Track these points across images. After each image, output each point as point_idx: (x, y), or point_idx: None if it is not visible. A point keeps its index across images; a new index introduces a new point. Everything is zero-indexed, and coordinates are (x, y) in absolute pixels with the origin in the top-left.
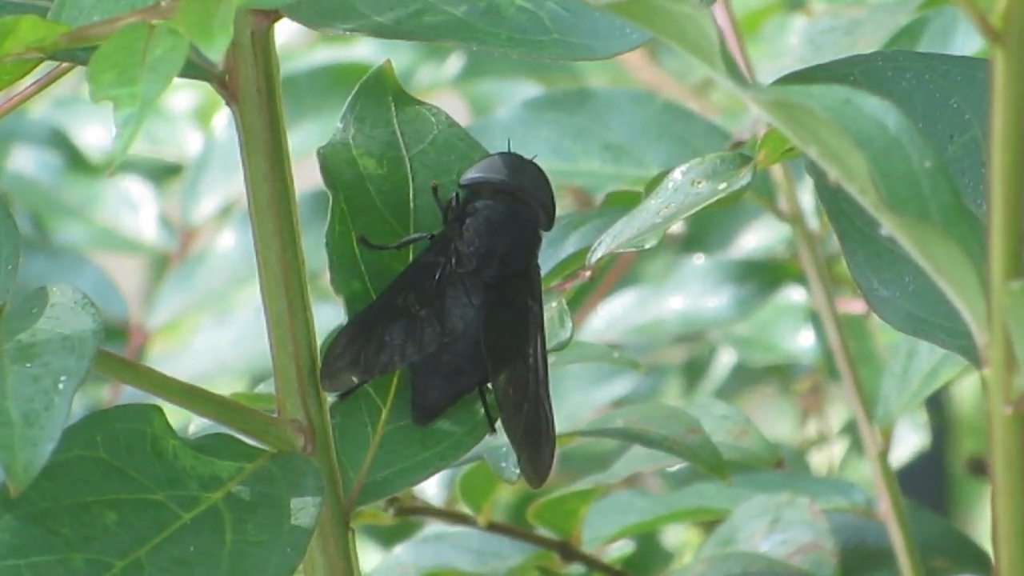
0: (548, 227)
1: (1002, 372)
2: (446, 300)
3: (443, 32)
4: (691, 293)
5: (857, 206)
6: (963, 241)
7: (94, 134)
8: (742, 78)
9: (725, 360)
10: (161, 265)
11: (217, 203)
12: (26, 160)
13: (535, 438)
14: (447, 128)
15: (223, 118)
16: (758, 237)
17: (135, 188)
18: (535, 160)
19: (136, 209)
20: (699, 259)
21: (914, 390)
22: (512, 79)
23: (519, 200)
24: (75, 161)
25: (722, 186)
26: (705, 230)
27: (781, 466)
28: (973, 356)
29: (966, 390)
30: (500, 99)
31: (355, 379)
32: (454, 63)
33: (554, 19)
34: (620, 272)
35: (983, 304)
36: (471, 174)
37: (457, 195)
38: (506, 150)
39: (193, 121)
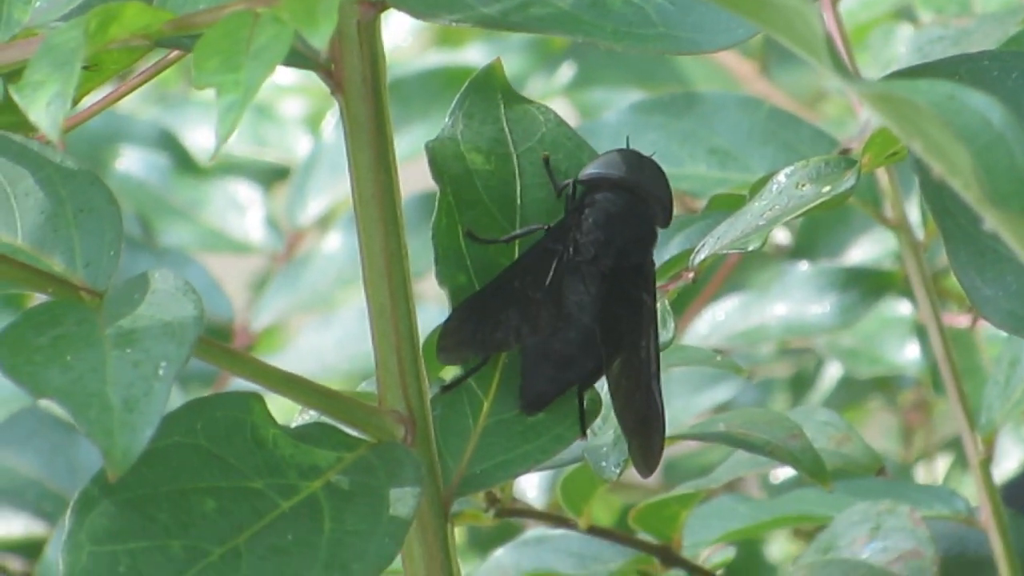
0: (665, 224)
1: None
2: (563, 286)
3: (549, 24)
4: (795, 300)
5: (961, 204)
6: None
7: (203, 136)
8: (848, 72)
9: (831, 373)
10: (267, 267)
11: (324, 205)
12: (134, 161)
13: (646, 427)
14: (555, 127)
15: (332, 121)
16: (864, 250)
17: (242, 190)
18: (653, 158)
19: (243, 211)
20: (804, 266)
21: (1017, 398)
22: (621, 88)
23: (637, 196)
24: (183, 163)
25: (826, 189)
26: (812, 240)
27: (883, 473)
28: None
29: None
30: (609, 107)
31: (470, 355)
32: (565, 72)
33: (660, 13)
34: (725, 278)
35: None
36: (591, 169)
37: (574, 186)
38: (625, 147)
39: (302, 125)
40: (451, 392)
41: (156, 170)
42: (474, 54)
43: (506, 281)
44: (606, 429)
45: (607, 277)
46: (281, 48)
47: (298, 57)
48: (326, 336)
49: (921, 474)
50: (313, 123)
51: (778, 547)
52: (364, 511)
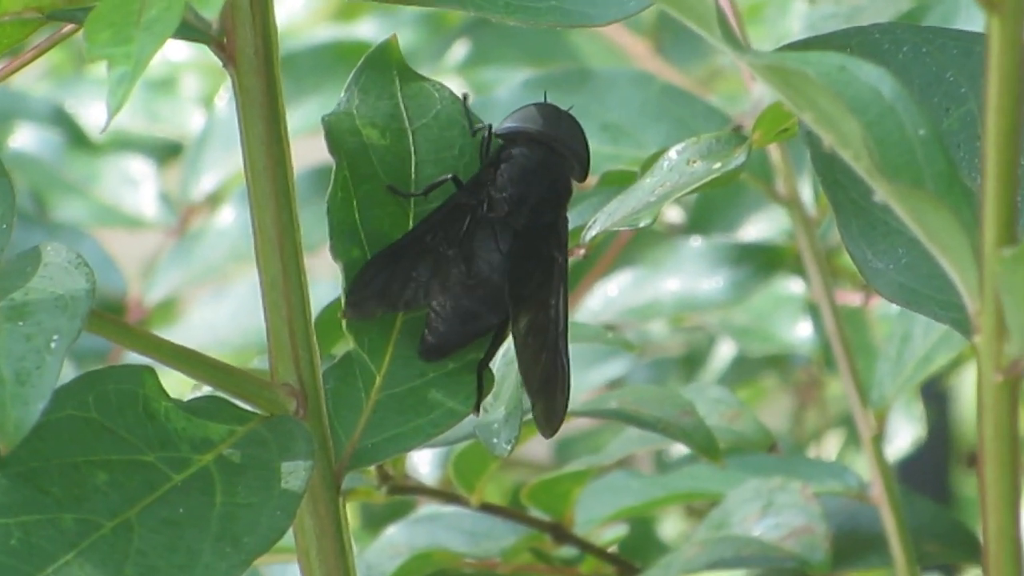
0: (582, 179)
1: (993, 340)
2: (474, 243)
3: None
4: (687, 275)
5: (852, 177)
6: (956, 209)
7: (96, 113)
8: (739, 44)
9: (724, 351)
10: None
11: (217, 180)
12: (28, 137)
13: (551, 387)
14: (450, 104)
15: (225, 97)
16: (758, 227)
17: (136, 166)
18: (571, 111)
19: (137, 186)
20: (696, 241)
21: (908, 374)
22: (514, 67)
23: (553, 150)
24: (77, 139)
25: (717, 165)
26: (706, 217)
27: (775, 450)
28: (964, 328)
29: (968, 386)
30: (502, 84)
31: (379, 311)
32: (459, 50)
33: None
34: (616, 254)
35: (975, 272)
36: (508, 123)
37: (488, 139)
38: (542, 101)
39: (196, 101)
40: (342, 365)
41: (50, 146)
42: (367, 29)
43: (417, 237)
44: (497, 405)
45: (520, 234)
46: (172, 20)
47: (190, 30)
48: (219, 310)
49: (813, 453)
50: (207, 99)
51: (671, 525)
52: (256, 484)
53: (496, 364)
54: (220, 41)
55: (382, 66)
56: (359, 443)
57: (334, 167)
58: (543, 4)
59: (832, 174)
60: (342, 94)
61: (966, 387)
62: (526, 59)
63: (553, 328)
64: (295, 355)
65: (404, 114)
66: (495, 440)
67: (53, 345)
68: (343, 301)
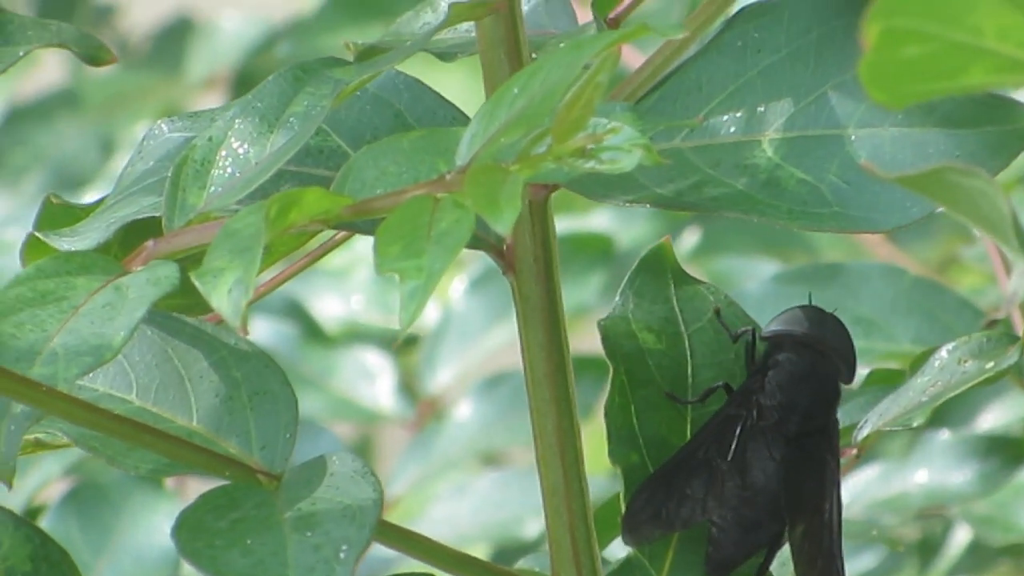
0: (849, 380)
1: None
2: (747, 453)
3: (724, 204)
4: (935, 468)
5: None
6: None
7: (329, 305)
8: None
9: (959, 538)
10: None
11: (454, 373)
12: (264, 331)
13: None
14: (726, 307)
15: (459, 288)
16: (996, 415)
17: (371, 358)
18: (836, 313)
19: (373, 379)
20: (944, 434)
21: None
22: (749, 256)
23: (820, 353)
24: (311, 332)
25: (989, 365)
26: (943, 405)
27: None
28: None
29: None
30: (739, 275)
31: (656, 533)
32: (688, 238)
33: (835, 192)
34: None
35: None
36: (773, 327)
37: (753, 346)
38: (807, 303)
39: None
40: (623, 570)
41: (285, 339)
42: (600, 220)
43: (689, 453)
44: None
45: (792, 440)
46: (464, 233)
47: (471, 239)
48: (461, 505)
49: None
50: (439, 289)
51: None
52: None
53: (773, 566)
54: (500, 249)
55: (657, 269)
56: None
57: (611, 372)
58: (826, 210)
59: None
60: (617, 298)
61: None
62: (761, 248)
63: (828, 533)
64: (576, 562)
65: (679, 317)
66: None
67: (342, 555)
68: (621, 522)
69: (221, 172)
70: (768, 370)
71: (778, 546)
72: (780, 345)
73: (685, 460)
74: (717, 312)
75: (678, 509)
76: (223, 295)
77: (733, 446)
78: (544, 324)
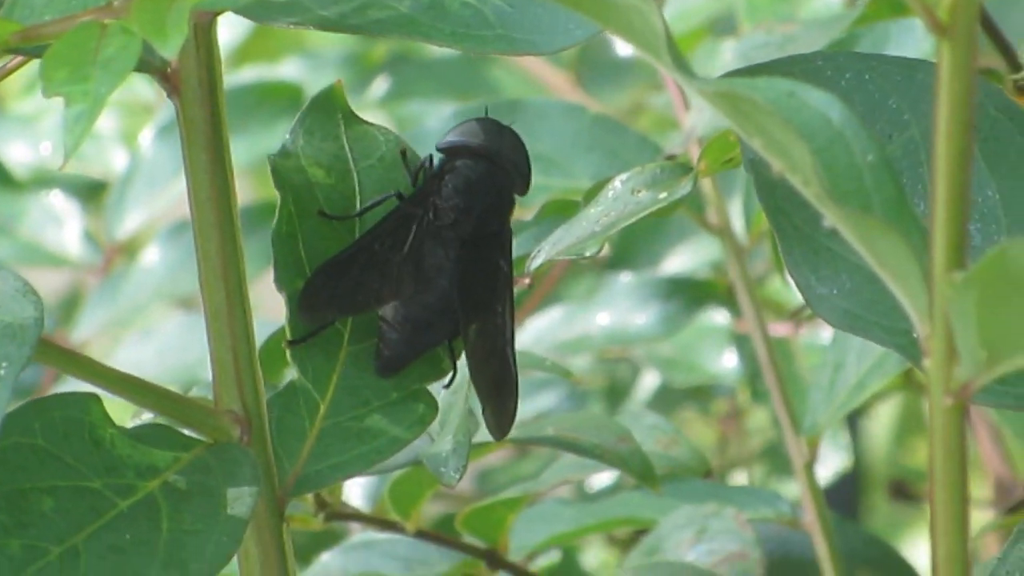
0: (523, 192)
1: (943, 364)
2: (422, 250)
3: (387, 27)
4: (618, 310)
5: (796, 203)
6: (906, 234)
7: (19, 150)
8: (688, 69)
9: (648, 382)
10: (81, 280)
11: (142, 219)
12: None
13: (501, 391)
14: (395, 147)
15: (148, 136)
16: (683, 259)
17: (60, 204)
18: (512, 126)
19: (61, 225)
20: (626, 276)
21: (841, 401)
22: (436, 100)
23: (496, 164)
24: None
25: (663, 195)
26: (630, 250)
27: (710, 475)
28: (910, 352)
29: (883, 416)
30: (425, 117)
31: (331, 315)
32: (380, 85)
33: (498, 14)
34: (545, 291)
35: (925, 297)
36: (450, 137)
37: (431, 158)
38: (484, 116)
39: (118, 140)
40: (286, 393)
41: None
42: (290, 69)
43: (365, 245)
44: (444, 435)
45: (466, 242)
46: (130, 58)
47: (138, 62)
48: (145, 349)
49: (736, 482)
50: (128, 138)
51: (593, 555)
52: (201, 511)
53: (442, 394)
54: (164, 71)
55: (328, 109)
56: (303, 470)
57: (279, 202)
58: (489, 32)
59: (775, 201)
60: (287, 134)
61: (881, 417)
62: (447, 93)
63: (501, 334)
64: (239, 383)
65: (349, 155)
66: (443, 469)
67: (2, 372)
68: (287, 328)
69: None
70: (444, 175)
71: (455, 354)
72: (456, 153)
73: (361, 251)
74: (403, 154)
75: (353, 295)
76: None
77: (409, 241)
78: (207, 147)
